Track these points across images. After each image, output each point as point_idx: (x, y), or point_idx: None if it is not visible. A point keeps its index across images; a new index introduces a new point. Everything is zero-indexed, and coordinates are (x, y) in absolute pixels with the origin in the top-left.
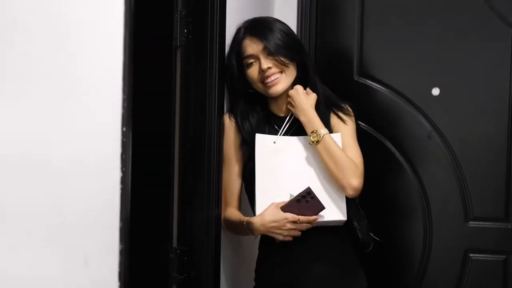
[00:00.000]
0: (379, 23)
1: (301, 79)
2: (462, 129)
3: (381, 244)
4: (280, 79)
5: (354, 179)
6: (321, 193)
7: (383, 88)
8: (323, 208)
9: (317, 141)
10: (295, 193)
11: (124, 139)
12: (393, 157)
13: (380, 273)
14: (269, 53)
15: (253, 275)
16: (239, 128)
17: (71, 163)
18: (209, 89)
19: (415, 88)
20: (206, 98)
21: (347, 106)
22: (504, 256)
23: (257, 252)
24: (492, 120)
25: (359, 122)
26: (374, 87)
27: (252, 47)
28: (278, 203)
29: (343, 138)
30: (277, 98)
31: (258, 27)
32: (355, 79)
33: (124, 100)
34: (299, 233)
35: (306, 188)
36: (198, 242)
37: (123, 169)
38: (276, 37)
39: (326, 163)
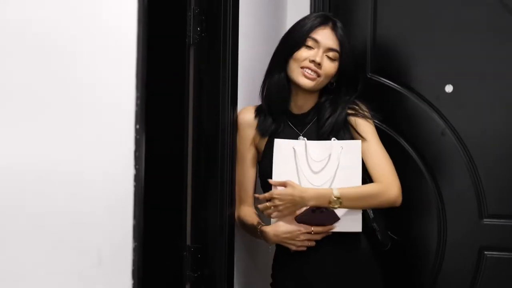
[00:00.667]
0: (392, 21)
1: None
2: (476, 126)
3: (398, 242)
4: (316, 79)
5: (390, 195)
6: None
7: (396, 85)
8: (338, 219)
9: (340, 203)
10: None
11: (138, 137)
12: (407, 154)
13: (395, 270)
14: (330, 57)
15: (267, 277)
16: (260, 124)
17: (85, 161)
18: (222, 87)
19: (428, 85)
20: (219, 96)
21: (363, 107)
22: None
23: (272, 254)
24: (506, 116)
25: (374, 120)
26: (387, 84)
27: (325, 36)
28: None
29: (368, 145)
30: (298, 93)
31: (341, 30)
32: (368, 76)
33: (137, 98)
34: (313, 243)
35: None
36: (212, 240)
37: (137, 166)
38: (348, 55)
39: (361, 208)
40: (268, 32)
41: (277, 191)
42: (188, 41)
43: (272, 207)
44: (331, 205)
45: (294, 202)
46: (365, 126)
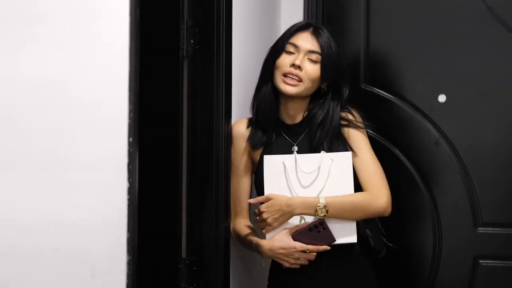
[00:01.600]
0: (385, 31)
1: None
2: (469, 136)
3: (394, 251)
4: (298, 85)
5: (379, 204)
6: None
7: (389, 96)
8: (333, 240)
9: (327, 211)
10: (305, 215)
11: (131, 150)
12: (401, 164)
13: (391, 280)
14: (312, 59)
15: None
16: (251, 137)
17: (78, 173)
18: (216, 99)
19: (422, 95)
20: (213, 108)
21: (356, 115)
22: None
23: (268, 266)
24: (498, 126)
25: (367, 130)
26: (381, 94)
27: (304, 40)
28: (290, 229)
29: (359, 156)
30: (287, 102)
31: (323, 34)
32: (362, 87)
33: (130, 111)
34: (306, 262)
35: (320, 219)
36: (208, 252)
37: (130, 179)
38: (332, 58)
39: (348, 218)
40: (261, 44)
41: (263, 205)
42: (182, 54)
43: (262, 222)
44: (317, 214)
45: (283, 212)
46: (357, 136)
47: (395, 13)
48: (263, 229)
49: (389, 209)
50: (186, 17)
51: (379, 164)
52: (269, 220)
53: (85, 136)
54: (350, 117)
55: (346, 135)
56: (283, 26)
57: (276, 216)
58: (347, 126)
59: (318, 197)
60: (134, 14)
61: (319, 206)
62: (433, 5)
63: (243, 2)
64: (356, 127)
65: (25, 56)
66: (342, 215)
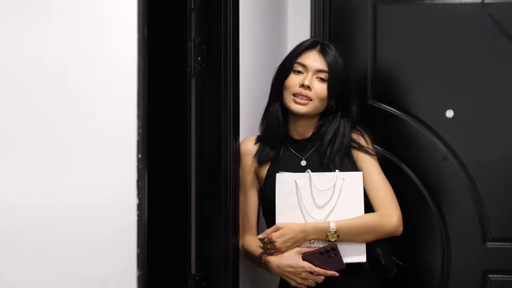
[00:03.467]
0: (392, 47)
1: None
2: (477, 151)
3: (404, 269)
4: (308, 104)
5: (390, 225)
6: None
7: (397, 111)
8: (343, 267)
9: (338, 236)
10: None
11: (140, 166)
12: (409, 180)
13: None
14: (322, 77)
15: None
16: (258, 153)
17: (88, 190)
18: (224, 116)
19: (429, 111)
20: (221, 125)
21: (368, 139)
22: None
23: (276, 283)
24: (507, 141)
25: (375, 146)
26: (388, 110)
27: (312, 59)
28: (301, 249)
29: (370, 176)
30: (296, 120)
31: (331, 51)
32: (369, 103)
33: (139, 127)
34: (313, 284)
35: (332, 243)
36: (217, 269)
37: (140, 195)
38: (339, 75)
39: (359, 241)
40: (269, 61)
41: (275, 234)
42: (189, 71)
43: (272, 249)
44: (328, 239)
45: (296, 239)
46: (367, 159)
47: (402, 29)
48: (271, 254)
49: (400, 229)
50: (194, 34)
51: (389, 184)
52: (282, 249)
53: (94, 153)
54: (362, 142)
55: (355, 157)
56: (290, 43)
57: (288, 244)
58: (358, 149)
59: (328, 221)
60: (142, 31)
61: (329, 232)
62: (440, 21)
63: (250, 20)
64: (366, 152)
65: (32, 77)
66: (353, 238)
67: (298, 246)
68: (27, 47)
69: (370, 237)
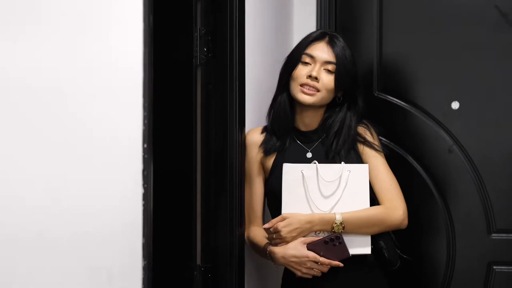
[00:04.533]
0: (397, 39)
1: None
2: (483, 143)
3: (408, 261)
4: (316, 94)
5: (396, 218)
6: None
7: (403, 103)
8: (348, 256)
9: (343, 227)
10: None
11: (146, 156)
12: (415, 172)
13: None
14: (329, 69)
15: None
16: (264, 142)
17: (94, 179)
18: (230, 107)
19: (435, 103)
20: (227, 116)
21: (374, 134)
22: None
23: (281, 274)
24: None
25: (380, 137)
26: (394, 102)
27: (319, 50)
28: (305, 239)
29: (375, 169)
30: (303, 111)
31: (339, 43)
32: (375, 94)
33: (144, 117)
34: (319, 273)
35: (337, 233)
36: (222, 260)
37: (145, 185)
38: (347, 67)
39: (365, 233)
40: (275, 52)
41: (281, 223)
42: (195, 62)
43: (278, 239)
44: (334, 230)
45: (302, 230)
46: (371, 154)
47: (408, 21)
48: (276, 244)
49: (406, 222)
50: (199, 25)
51: (395, 178)
52: (287, 239)
53: (100, 143)
54: (368, 136)
55: (360, 150)
56: (296, 35)
57: (294, 234)
58: (363, 143)
59: (334, 213)
60: (148, 21)
61: (335, 223)
62: (446, 12)
63: (256, 10)
64: (371, 147)
65: (34, 63)
66: (359, 230)
67: (303, 237)
68: (33, 40)
69: (376, 230)
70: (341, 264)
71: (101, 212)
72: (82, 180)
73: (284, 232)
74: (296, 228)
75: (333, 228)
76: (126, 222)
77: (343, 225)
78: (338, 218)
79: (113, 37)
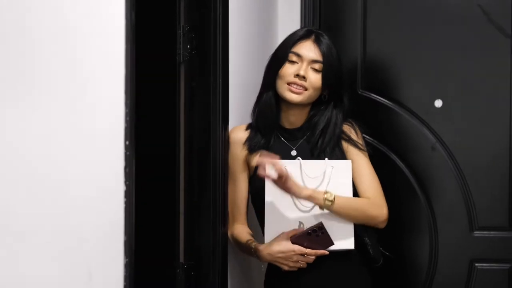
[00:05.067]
0: (381, 37)
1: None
2: (466, 140)
3: (391, 259)
4: (303, 93)
5: (380, 214)
6: (330, 220)
7: (386, 101)
8: (332, 244)
9: (332, 203)
10: (304, 219)
11: (128, 153)
12: (398, 169)
13: (388, 286)
14: (316, 68)
15: None
16: (249, 140)
17: (75, 176)
18: (214, 104)
19: (418, 101)
20: (211, 113)
21: (359, 133)
22: (509, 265)
23: (265, 271)
24: (495, 130)
25: (364, 135)
26: (378, 100)
27: (307, 49)
28: (288, 232)
29: (358, 168)
30: (288, 109)
31: (325, 41)
32: (359, 92)
33: (126, 114)
34: (305, 265)
35: (319, 223)
36: (205, 258)
37: (127, 182)
38: (333, 65)
39: (348, 218)
40: (259, 49)
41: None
42: (179, 59)
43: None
44: (325, 204)
45: (296, 185)
46: (355, 152)
47: (392, 19)
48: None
49: (386, 223)
50: (183, 22)
51: (378, 179)
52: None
53: (82, 139)
54: (353, 135)
55: (345, 148)
56: (281, 32)
57: (288, 184)
58: (348, 142)
59: (328, 190)
60: (130, 18)
61: (326, 193)
62: (429, 11)
63: (240, 7)
64: (356, 146)
65: (17, 56)
66: (344, 211)
67: (286, 230)
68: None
69: (360, 218)
70: (327, 252)
71: (82, 209)
72: (63, 177)
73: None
74: (293, 183)
75: (324, 200)
76: (107, 220)
77: (333, 199)
78: (330, 196)
79: (94, 33)
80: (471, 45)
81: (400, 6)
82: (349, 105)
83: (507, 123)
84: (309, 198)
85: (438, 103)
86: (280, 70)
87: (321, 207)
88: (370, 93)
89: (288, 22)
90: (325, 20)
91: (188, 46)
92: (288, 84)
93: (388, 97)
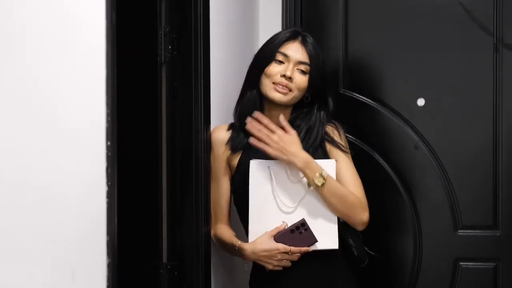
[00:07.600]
0: (363, 36)
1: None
2: (448, 139)
3: (376, 258)
4: (288, 93)
5: (364, 215)
6: (314, 220)
7: (369, 100)
8: (315, 241)
9: (322, 184)
10: (288, 220)
11: (109, 153)
12: (381, 168)
13: (372, 286)
14: (302, 69)
15: None
16: (231, 139)
17: (56, 177)
18: (195, 104)
19: (401, 100)
20: (193, 113)
21: (343, 135)
22: (493, 264)
23: (249, 270)
24: (477, 129)
25: (347, 135)
26: (360, 99)
27: (294, 50)
28: (271, 231)
29: (341, 168)
30: (271, 109)
31: (311, 43)
32: (341, 92)
33: (108, 114)
34: (289, 264)
35: (301, 220)
36: (189, 257)
37: (109, 183)
38: (319, 67)
39: (332, 204)
40: (240, 50)
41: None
42: (160, 60)
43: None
44: (315, 178)
45: (291, 150)
46: (338, 153)
47: (374, 18)
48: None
49: (365, 226)
50: (164, 23)
51: (360, 181)
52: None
53: (63, 140)
54: (336, 136)
55: (328, 149)
56: (262, 32)
57: (277, 146)
58: (331, 143)
59: (324, 170)
60: (110, 18)
61: (320, 174)
62: (412, 10)
63: (221, 7)
64: (338, 148)
65: None
66: (332, 196)
67: (269, 228)
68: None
69: (343, 209)
70: (310, 249)
71: (64, 210)
72: (44, 177)
73: (275, 139)
74: (291, 147)
75: (315, 177)
76: (90, 220)
77: (324, 182)
78: (325, 173)
79: (75, 34)
80: (454, 44)
81: (382, 5)
82: (333, 106)
83: (490, 122)
84: (305, 165)
85: (421, 102)
86: (266, 69)
87: (311, 183)
88: (352, 93)
89: (269, 22)
90: (306, 19)
91: (170, 47)
92: (274, 83)
93: (370, 96)
